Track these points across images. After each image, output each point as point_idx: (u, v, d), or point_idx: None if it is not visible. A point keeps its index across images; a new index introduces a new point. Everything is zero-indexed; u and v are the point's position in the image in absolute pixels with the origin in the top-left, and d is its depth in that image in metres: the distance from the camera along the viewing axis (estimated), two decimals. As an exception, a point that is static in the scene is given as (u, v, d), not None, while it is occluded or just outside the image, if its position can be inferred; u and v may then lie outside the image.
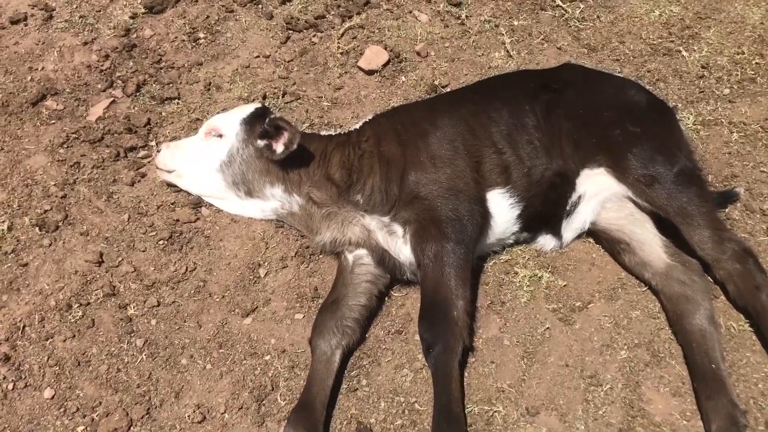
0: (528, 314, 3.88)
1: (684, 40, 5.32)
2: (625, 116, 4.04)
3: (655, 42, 5.32)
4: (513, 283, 4.01)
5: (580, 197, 4.04)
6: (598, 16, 5.51)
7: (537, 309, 3.90)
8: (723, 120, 4.72)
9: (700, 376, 3.52)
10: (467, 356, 3.72)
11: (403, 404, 3.55)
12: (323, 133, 4.36)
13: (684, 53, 5.20)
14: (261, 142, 3.95)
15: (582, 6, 5.57)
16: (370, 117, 4.31)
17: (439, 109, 4.16)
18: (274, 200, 4.05)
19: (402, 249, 3.79)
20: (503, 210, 3.92)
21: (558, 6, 5.58)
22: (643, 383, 3.61)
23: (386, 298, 3.97)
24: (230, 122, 4.11)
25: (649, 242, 3.95)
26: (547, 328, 3.82)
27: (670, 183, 3.82)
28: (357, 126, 4.24)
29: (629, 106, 4.13)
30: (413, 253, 3.72)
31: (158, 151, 4.32)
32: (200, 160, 4.12)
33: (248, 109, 4.17)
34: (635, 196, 3.95)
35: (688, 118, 4.74)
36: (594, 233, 4.17)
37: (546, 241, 4.13)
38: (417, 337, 3.76)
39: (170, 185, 4.33)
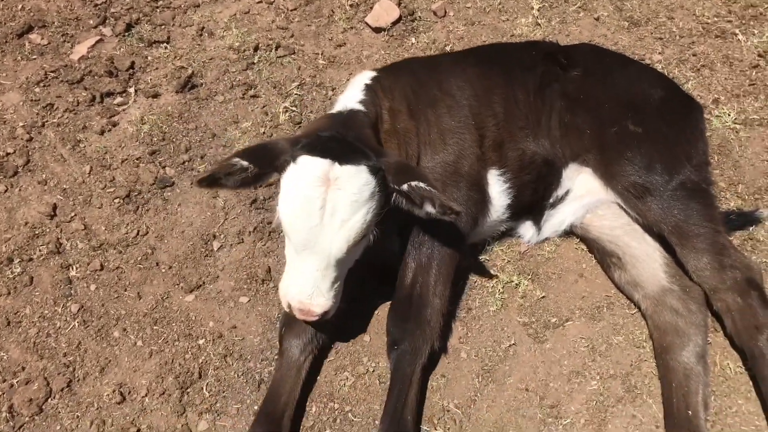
0: (494, 325, 3.47)
1: (744, 22, 4.64)
2: (628, 112, 3.47)
3: (709, 21, 4.66)
4: (485, 287, 3.59)
5: (567, 192, 3.59)
6: (649, -15, 4.86)
7: (506, 321, 3.48)
8: (769, 121, 4.10)
9: (672, 422, 3.08)
10: (436, 362, 3.35)
11: (336, 411, 3.22)
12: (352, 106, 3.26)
13: (740, 37, 4.54)
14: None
15: (633, -29, 4.91)
16: (373, 76, 3.50)
17: (443, 69, 3.63)
18: None
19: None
20: (497, 194, 3.47)
21: (605, -31, 4.93)
22: (611, 421, 3.17)
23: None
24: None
25: (645, 259, 3.45)
26: (513, 344, 3.41)
27: (666, 196, 3.28)
28: (362, 91, 3.36)
29: (637, 100, 3.54)
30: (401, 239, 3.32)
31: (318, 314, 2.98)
32: None
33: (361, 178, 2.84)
34: (626, 206, 3.45)
35: (728, 114, 4.14)
36: (586, 241, 3.69)
37: (525, 231, 3.68)
38: (366, 338, 3.42)
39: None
